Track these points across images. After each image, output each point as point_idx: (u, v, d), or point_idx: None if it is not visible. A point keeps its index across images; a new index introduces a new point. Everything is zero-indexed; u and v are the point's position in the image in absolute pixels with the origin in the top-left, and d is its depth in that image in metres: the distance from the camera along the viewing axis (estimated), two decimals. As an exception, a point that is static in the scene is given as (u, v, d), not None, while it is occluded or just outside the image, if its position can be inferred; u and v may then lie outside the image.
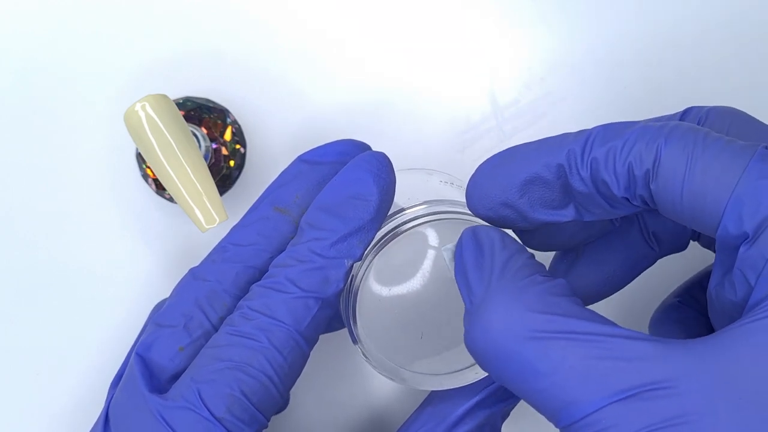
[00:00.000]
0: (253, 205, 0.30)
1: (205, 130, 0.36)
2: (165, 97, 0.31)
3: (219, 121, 0.36)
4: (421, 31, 0.38)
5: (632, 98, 0.38)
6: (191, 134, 0.32)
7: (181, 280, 0.30)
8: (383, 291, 0.29)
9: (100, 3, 0.38)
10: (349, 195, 0.27)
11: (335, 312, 0.28)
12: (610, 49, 0.38)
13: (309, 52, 0.38)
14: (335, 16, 0.38)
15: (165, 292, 0.32)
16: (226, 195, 0.37)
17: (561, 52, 0.38)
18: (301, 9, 0.38)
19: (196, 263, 0.30)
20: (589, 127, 0.25)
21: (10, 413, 0.37)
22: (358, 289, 0.28)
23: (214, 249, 0.30)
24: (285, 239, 0.29)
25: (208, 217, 0.31)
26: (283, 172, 0.30)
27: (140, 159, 0.36)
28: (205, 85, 0.38)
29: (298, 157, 0.31)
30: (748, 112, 0.28)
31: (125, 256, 0.38)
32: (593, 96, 0.38)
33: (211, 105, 0.36)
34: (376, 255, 0.28)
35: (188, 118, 0.35)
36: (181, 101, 0.36)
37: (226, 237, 0.30)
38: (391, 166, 0.29)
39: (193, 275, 0.29)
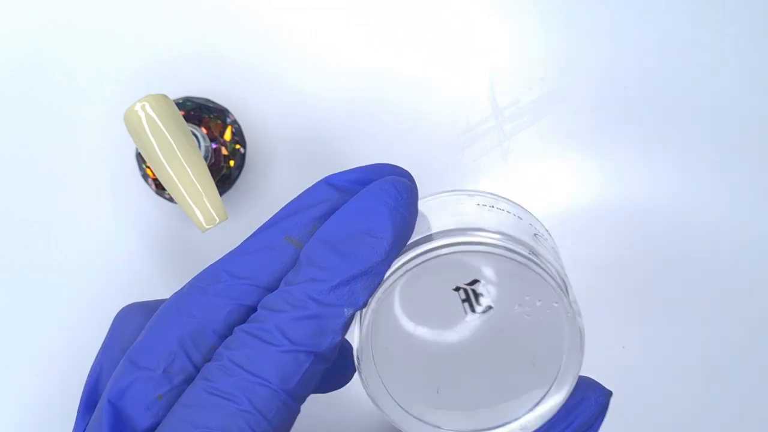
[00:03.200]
0: (262, 226, 0.25)
1: (205, 130, 0.36)
2: (165, 97, 0.31)
3: (219, 121, 0.36)
4: (422, 32, 0.38)
5: (632, 98, 0.38)
6: (191, 134, 0.32)
7: (163, 307, 0.25)
8: (393, 331, 0.24)
9: (100, 3, 0.38)
10: (359, 229, 0.23)
11: (332, 364, 0.24)
12: (610, 48, 0.38)
13: (309, 52, 0.38)
14: (335, 17, 0.38)
15: (164, 292, 0.32)
16: (226, 195, 0.37)
17: (561, 51, 0.38)
18: (302, 9, 0.38)
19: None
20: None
21: (10, 413, 0.37)
22: (366, 326, 0.24)
23: (205, 273, 0.25)
24: None
25: (207, 217, 0.31)
26: (303, 193, 0.25)
27: (140, 159, 0.36)
28: (205, 85, 0.38)
29: (325, 178, 0.25)
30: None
31: (124, 255, 0.38)
32: (593, 96, 0.38)
33: (211, 105, 0.36)
34: (387, 288, 0.23)
35: (188, 118, 0.35)
36: (181, 101, 0.36)
37: (222, 261, 0.25)
38: (414, 196, 0.24)
39: (178, 308, 0.25)
